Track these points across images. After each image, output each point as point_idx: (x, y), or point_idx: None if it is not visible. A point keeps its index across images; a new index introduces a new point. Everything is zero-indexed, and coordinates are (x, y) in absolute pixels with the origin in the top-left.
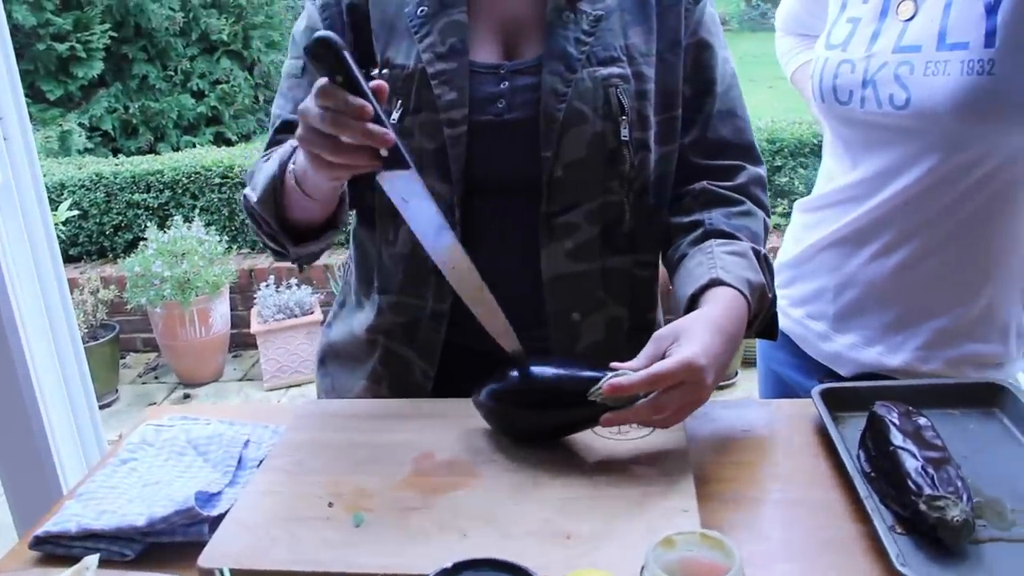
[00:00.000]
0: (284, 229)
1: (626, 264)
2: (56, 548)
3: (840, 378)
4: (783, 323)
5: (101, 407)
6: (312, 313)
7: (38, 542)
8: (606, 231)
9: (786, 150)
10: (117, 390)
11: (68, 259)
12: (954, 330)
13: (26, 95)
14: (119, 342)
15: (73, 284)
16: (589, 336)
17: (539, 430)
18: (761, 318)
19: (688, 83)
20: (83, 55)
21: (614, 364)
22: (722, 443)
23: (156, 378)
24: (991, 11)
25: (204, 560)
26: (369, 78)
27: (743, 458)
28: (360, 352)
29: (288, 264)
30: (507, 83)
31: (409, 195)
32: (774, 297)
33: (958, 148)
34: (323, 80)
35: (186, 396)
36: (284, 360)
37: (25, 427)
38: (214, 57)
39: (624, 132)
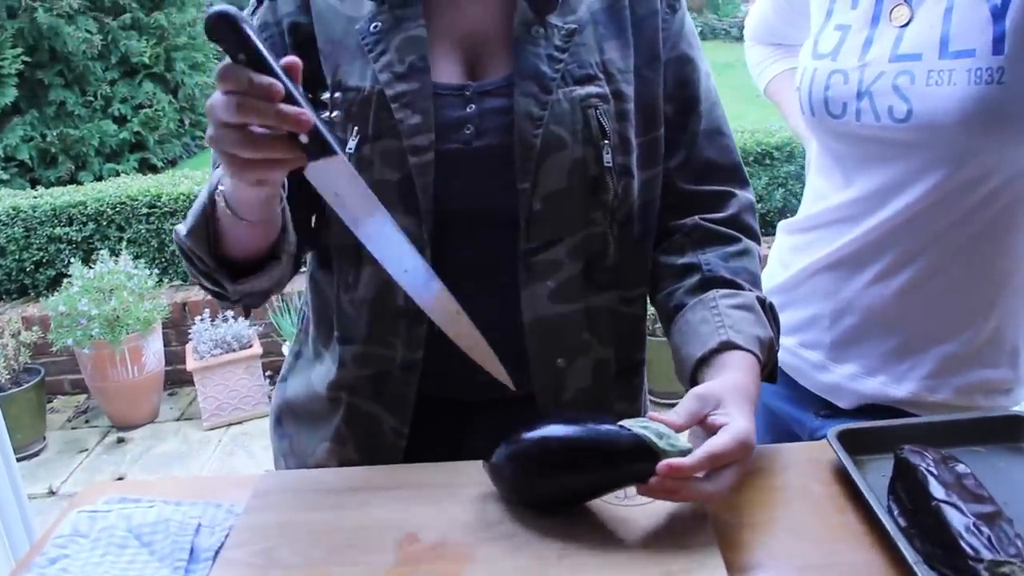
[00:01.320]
0: (221, 265)
1: (611, 302)
2: None
3: (838, 411)
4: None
5: (28, 457)
6: (251, 347)
7: None
8: (589, 267)
9: (776, 151)
10: (45, 437)
11: None
12: (963, 355)
13: None
14: (45, 386)
15: None
16: (576, 383)
17: (564, 495)
18: (766, 370)
19: (670, 101)
20: None
21: (654, 416)
22: (734, 500)
23: (87, 422)
24: (998, 15)
25: None
26: (321, 103)
27: (760, 518)
28: (321, 410)
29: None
30: (474, 106)
31: (343, 189)
32: (778, 348)
33: (964, 162)
34: (225, 62)
35: (120, 440)
36: (223, 397)
37: None
38: (136, 80)
39: (607, 157)
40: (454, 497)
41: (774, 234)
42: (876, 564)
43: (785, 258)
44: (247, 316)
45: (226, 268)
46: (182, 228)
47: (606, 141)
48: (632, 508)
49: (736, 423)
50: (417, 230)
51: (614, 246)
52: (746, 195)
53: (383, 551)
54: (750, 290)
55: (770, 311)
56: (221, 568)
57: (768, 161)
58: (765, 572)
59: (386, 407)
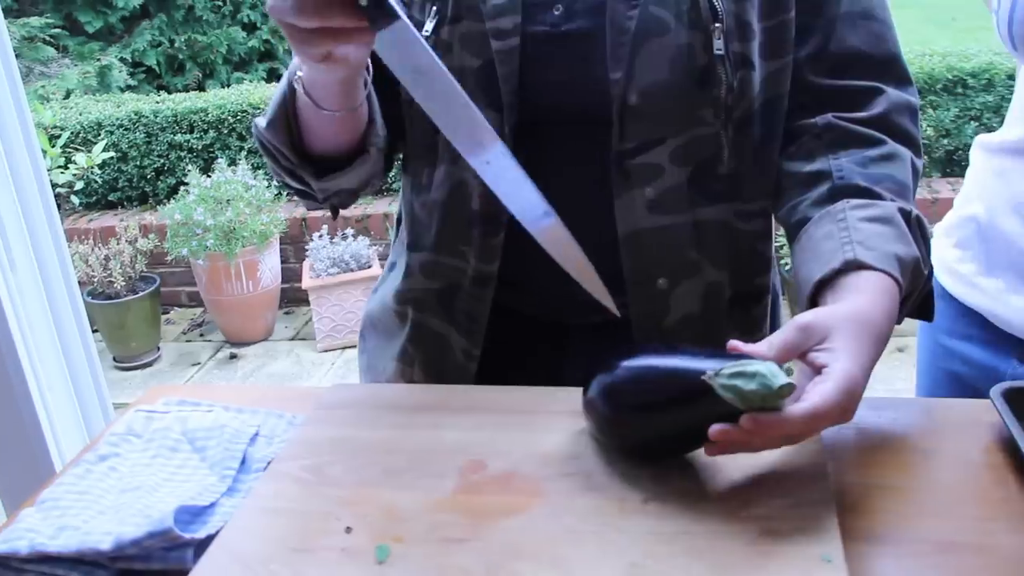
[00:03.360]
0: (305, 161)
1: (725, 216)
2: (5, 572)
3: None
4: (965, 294)
5: (142, 366)
6: (370, 267)
7: None
8: (697, 174)
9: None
10: (159, 348)
11: (107, 205)
12: None
13: (63, 27)
14: (160, 296)
15: (110, 233)
16: (680, 307)
17: (644, 442)
18: (914, 299)
19: None
20: None
21: (735, 345)
22: (867, 458)
23: (201, 335)
24: None
25: None
26: None
27: (897, 481)
28: (392, 325)
29: (343, 212)
30: None
31: (417, 63)
32: (930, 272)
33: None
34: None
35: (232, 356)
36: (339, 319)
37: (6, 388)
38: None
39: (718, 44)
40: (531, 424)
41: (961, 175)
42: None
43: (988, 182)
44: (335, 217)
45: (310, 164)
46: (261, 120)
47: (718, 24)
48: (737, 455)
49: (839, 365)
50: (498, 126)
51: (728, 151)
52: (902, 94)
53: (443, 477)
54: (892, 200)
55: (916, 224)
56: (267, 480)
57: (960, 90)
58: (893, 546)
59: (455, 325)
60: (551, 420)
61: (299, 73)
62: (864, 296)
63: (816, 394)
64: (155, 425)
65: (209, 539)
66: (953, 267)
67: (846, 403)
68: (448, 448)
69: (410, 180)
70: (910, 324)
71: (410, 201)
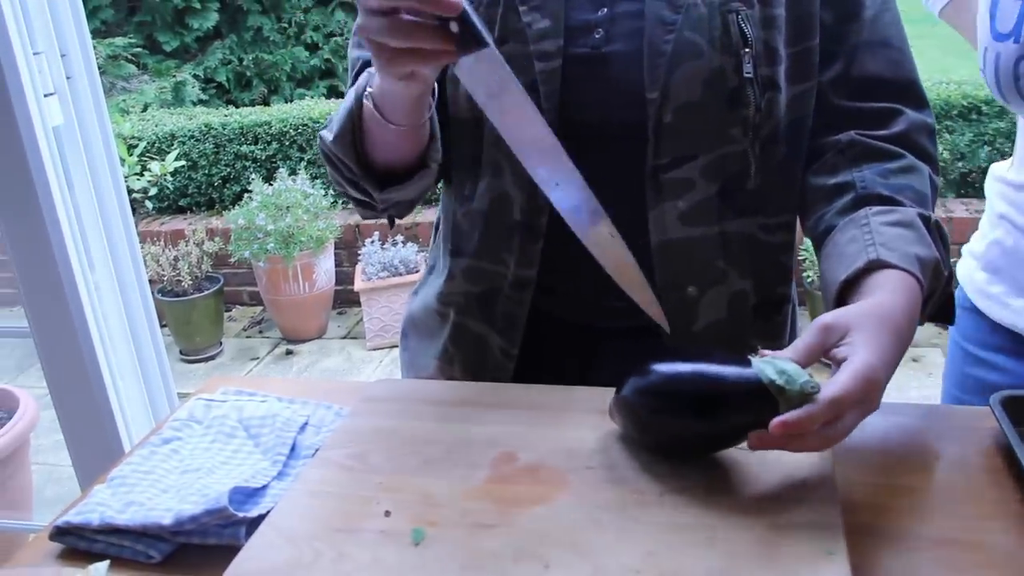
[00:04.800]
0: (367, 173)
1: (750, 228)
2: (78, 541)
3: None
4: (997, 313)
5: (205, 359)
6: (417, 272)
7: (59, 532)
8: (726, 188)
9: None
10: (221, 343)
11: (178, 210)
12: None
13: (143, 47)
14: (223, 295)
15: (179, 235)
16: (708, 314)
17: (672, 441)
18: (934, 300)
19: (828, 7)
20: (198, 6)
21: (764, 352)
22: (871, 458)
23: (260, 332)
24: None
25: None
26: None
27: (901, 481)
28: (433, 325)
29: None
30: (606, 9)
31: (496, 86)
32: (951, 274)
33: None
34: None
35: (289, 352)
36: (387, 319)
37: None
38: (328, 9)
39: (748, 68)
40: (560, 421)
41: (975, 196)
42: None
43: (1007, 211)
44: (392, 226)
45: (373, 177)
46: (328, 133)
47: (747, 50)
48: (749, 452)
49: (857, 356)
50: None
51: (756, 167)
52: (919, 115)
53: (476, 467)
54: (911, 207)
55: (936, 229)
56: (315, 466)
57: (975, 116)
58: (893, 541)
59: (495, 326)
60: (579, 417)
61: (369, 89)
62: (885, 292)
63: (834, 383)
64: (214, 412)
65: (260, 518)
66: (983, 288)
67: (864, 390)
68: (482, 440)
69: (453, 191)
70: (925, 334)
71: (452, 210)
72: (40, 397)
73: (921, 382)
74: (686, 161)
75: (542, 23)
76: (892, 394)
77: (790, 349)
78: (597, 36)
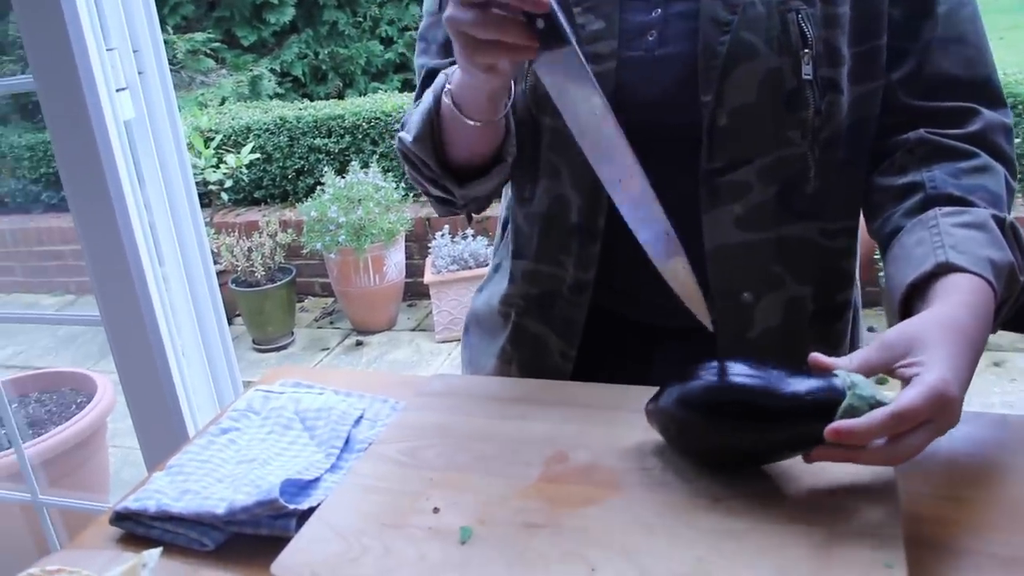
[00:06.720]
0: (446, 171)
1: (809, 233)
2: (136, 527)
3: None
4: None
5: (277, 349)
6: (486, 265)
7: (119, 518)
8: (784, 192)
9: (1020, 106)
10: (293, 333)
11: (252, 201)
12: None
13: (222, 41)
14: (295, 285)
15: (253, 227)
16: (763, 321)
17: (741, 452)
18: (1009, 306)
19: (898, 3)
20: (275, 1)
21: (816, 359)
22: (937, 469)
23: (331, 323)
24: None
25: (277, 567)
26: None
27: (967, 493)
28: (494, 325)
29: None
30: (660, 10)
31: (571, 86)
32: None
33: None
34: None
35: (358, 343)
36: (456, 312)
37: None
38: (403, 4)
39: (807, 69)
40: (615, 421)
41: None
42: None
43: None
44: (470, 222)
45: (451, 173)
46: (407, 135)
47: (807, 50)
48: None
49: (930, 373)
50: None
51: (815, 170)
52: (996, 114)
53: (529, 466)
54: (984, 208)
55: (1011, 231)
56: (368, 460)
57: None
58: (957, 557)
59: (553, 328)
60: (634, 417)
61: (448, 86)
62: (954, 299)
63: (901, 397)
64: (272, 404)
65: (311, 510)
66: None
67: (935, 406)
68: (535, 439)
69: (514, 192)
70: (1009, 338)
71: (513, 212)
72: (119, 382)
73: (1004, 388)
74: (742, 164)
75: (596, 24)
76: (973, 400)
77: (846, 358)
78: (651, 39)
